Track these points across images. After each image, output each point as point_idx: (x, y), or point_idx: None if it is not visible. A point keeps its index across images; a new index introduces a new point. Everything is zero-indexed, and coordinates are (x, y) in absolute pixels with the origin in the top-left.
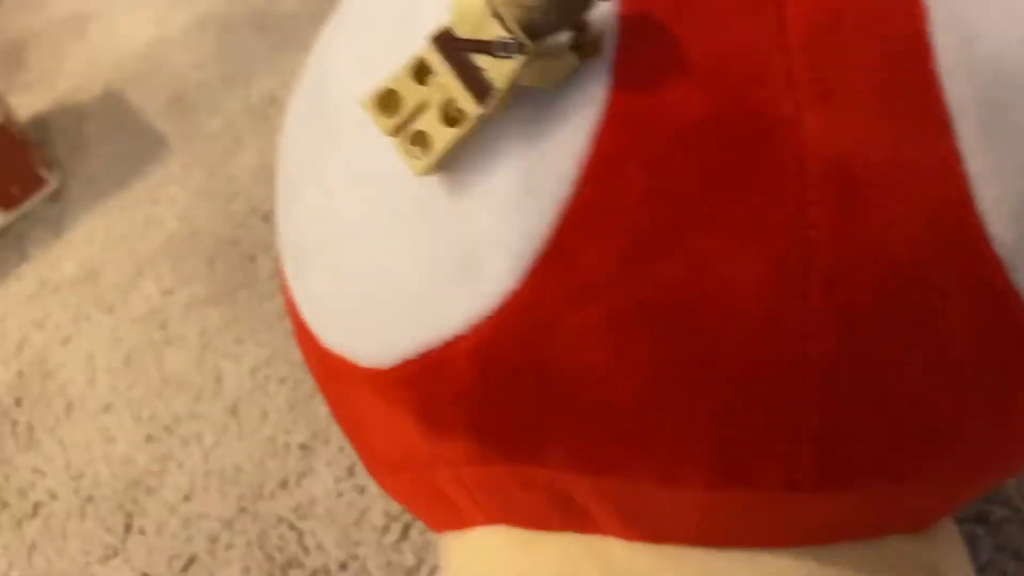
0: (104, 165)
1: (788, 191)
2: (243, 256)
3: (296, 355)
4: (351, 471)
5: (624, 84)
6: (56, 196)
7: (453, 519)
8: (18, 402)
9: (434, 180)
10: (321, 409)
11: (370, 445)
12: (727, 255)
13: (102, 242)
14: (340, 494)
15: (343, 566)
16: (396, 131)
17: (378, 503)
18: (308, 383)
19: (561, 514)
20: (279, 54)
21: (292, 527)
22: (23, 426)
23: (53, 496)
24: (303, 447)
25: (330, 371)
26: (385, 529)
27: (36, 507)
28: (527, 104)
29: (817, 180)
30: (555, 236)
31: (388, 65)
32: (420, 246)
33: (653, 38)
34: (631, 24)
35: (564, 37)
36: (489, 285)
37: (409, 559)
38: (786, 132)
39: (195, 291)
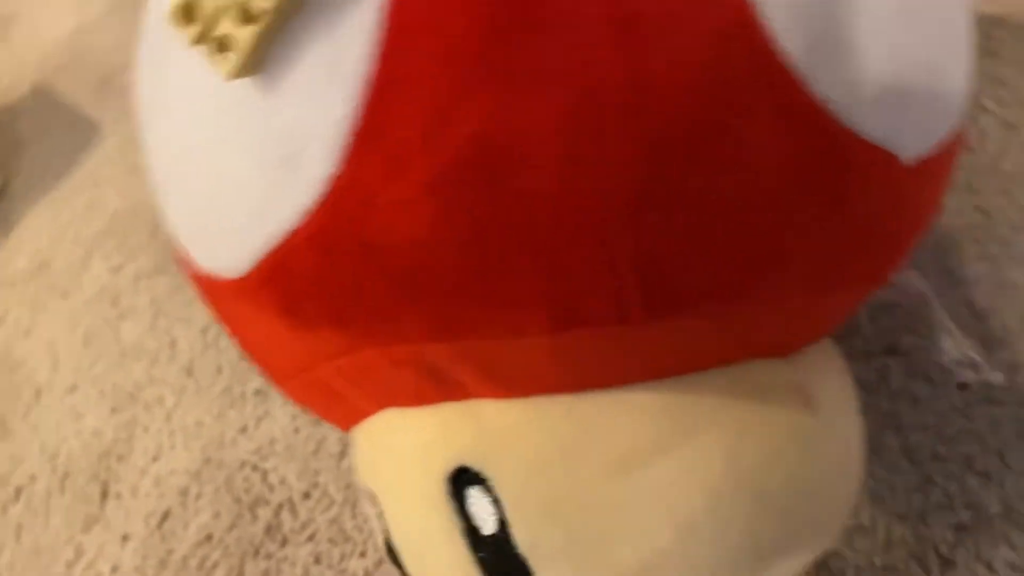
0: (43, 159)
1: (573, 36)
2: None
3: None
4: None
5: None
6: (0, 197)
7: (350, 414)
8: None
9: (247, 83)
10: None
11: (261, 357)
12: (524, 104)
13: (50, 233)
14: (297, 430)
15: (306, 495)
16: (200, 39)
17: (334, 432)
18: None
19: (434, 386)
20: None
21: (255, 468)
22: None
23: (32, 478)
24: (258, 392)
25: (210, 292)
26: (343, 455)
27: (18, 491)
28: None
29: (600, 21)
30: (363, 115)
31: None
32: (244, 149)
33: None
34: None
35: None
36: (312, 173)
37: None
38: None
39: (142, 264)
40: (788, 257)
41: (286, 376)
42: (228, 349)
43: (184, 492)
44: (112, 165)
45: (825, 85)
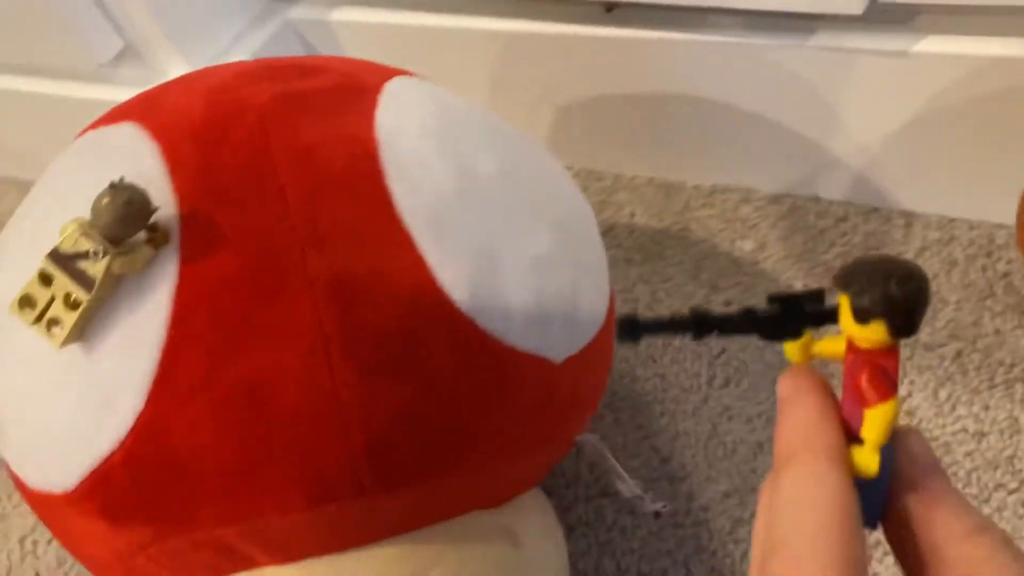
0: None
1: (305, 305)
2: None
3: None
4: None
5: (188, 258)
6: None
7: None
8: None
9: (74, 348)
10: None
11: (86, 553)
12: (274, 354)
13: None
14: None
15: None
16: (36, 320)
17: None
18: None
19: (228, 560)
20: None
21: None
22: None
23: None
24: None
25: (41, 505)
26: None
27: None
28: (127, 284)
29: (324, 294)
30: (159, 367)
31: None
32: (72, 396)
33: (203, 224)
34: (188, 218)
35: (140, 236)
36: (123, 412)
37: None
38: (297, 268)
39: None
40: (476, 438)
41: (106, 567)
42: (44, 555)
43: None
44: None
45: (487, 320)
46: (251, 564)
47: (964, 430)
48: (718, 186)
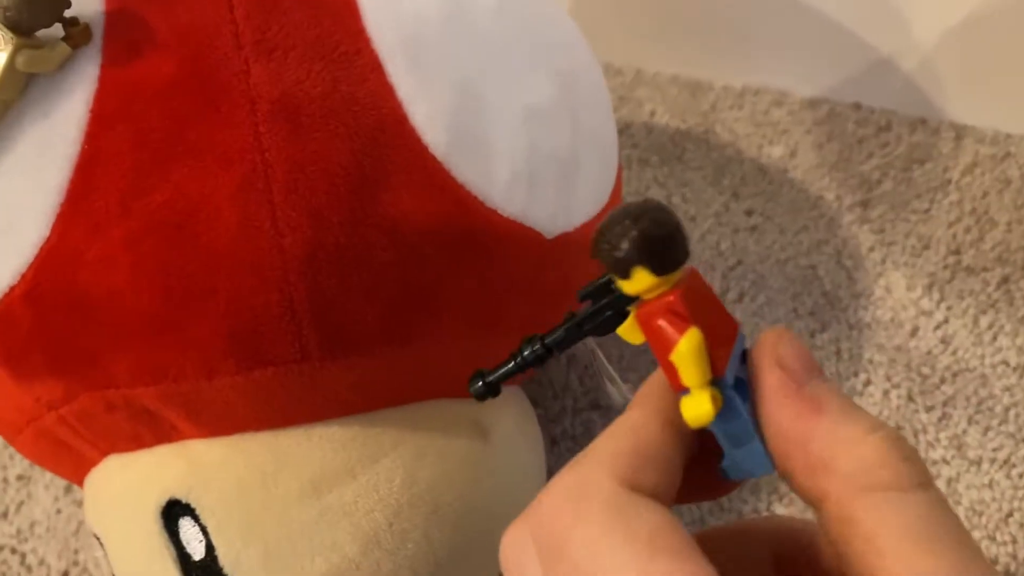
0: None
1: (244, 125)
2: None
3: None
4: (69, 488)
5: (111, 61)
6: None
7: (79, 464)
8: None
9: None
10: None
11: None
12: (204, 180)
13: None
14: (59, 511)
15: (65, 573)
16: None
17: None
18: None
19: (148, 428)
20: None
21: (14, 551)
22: None
23: None
24: (20, 478)
25: None
26: None
27: None
28: (36, 87)
29: (267, 115)
30: (69, 187)
31: None
32: None
33: (132, 23)
34: (114, 15)
35: (56, 31)
36: (25, 239)
37: None
38: (237, 81)
39: None
40: (442, 307)
41: (17, 430)
42: None
43: None
44: None
45: (465, 171)
46: (175, 435)
47: (1005, 363)
48: (749, 87)
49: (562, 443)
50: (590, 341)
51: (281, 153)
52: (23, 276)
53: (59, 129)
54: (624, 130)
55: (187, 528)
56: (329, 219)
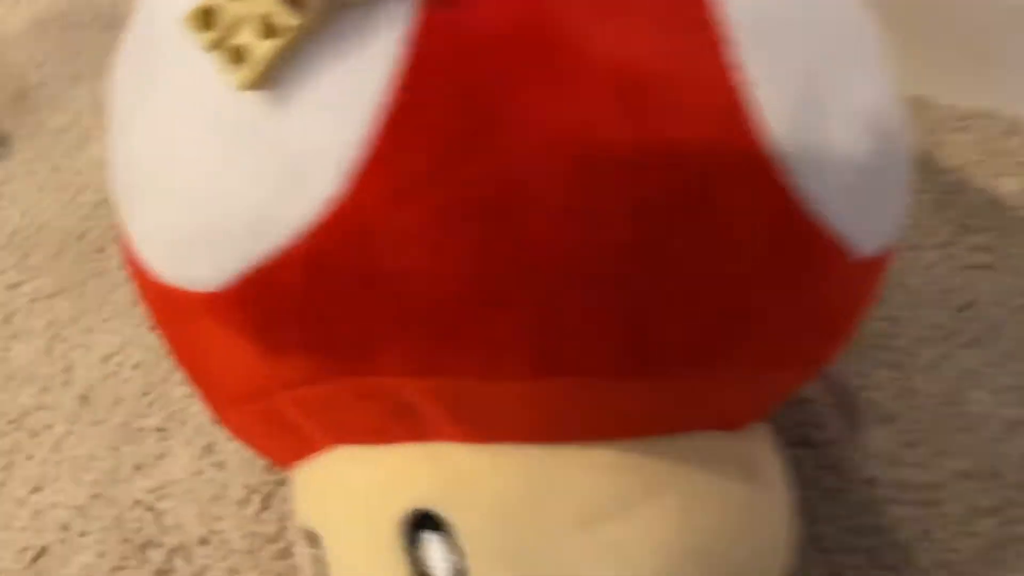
0: None
1: (580, 95)
2: (92, 247)
3: (150, 340)
4: (209, 449)
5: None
6: None
7: (298, 448)
8: None
9: (257, 96)
10: (177, 391)
11: (212, 378)
12: (530, 154)
13: None
14: (199, 472)
15: (204, 541)
16: (215, 45)
17: (237, 477)
18: (163, 366)
19: (400, 423)
20: None
21: (150, 508)
22: None
23: None
24: (159, 429)
25: (168, 305)
26: (246, 502)
27: None
28: (345, 17)
29: (607, 89)
30: (375, 141)
31: None
32: (246, 161)
33: None
34: None
35: None
36: (315, 193)
37: (270, 528)
38: (576, 45)
39: (41, 284)
40: (750, 329)
41: (233, 402)
42: (131, 380)
43: (65, 527)
44: (17, 181)
45: (801, 175)
46: (431, 434)
47: None
48: (976, 110)
49: None
50: (843, 376)
51: (618, 134)
52: (306, 236)
53: (369, 70)
54: None
55: (433, 545)
56: (659, 216)
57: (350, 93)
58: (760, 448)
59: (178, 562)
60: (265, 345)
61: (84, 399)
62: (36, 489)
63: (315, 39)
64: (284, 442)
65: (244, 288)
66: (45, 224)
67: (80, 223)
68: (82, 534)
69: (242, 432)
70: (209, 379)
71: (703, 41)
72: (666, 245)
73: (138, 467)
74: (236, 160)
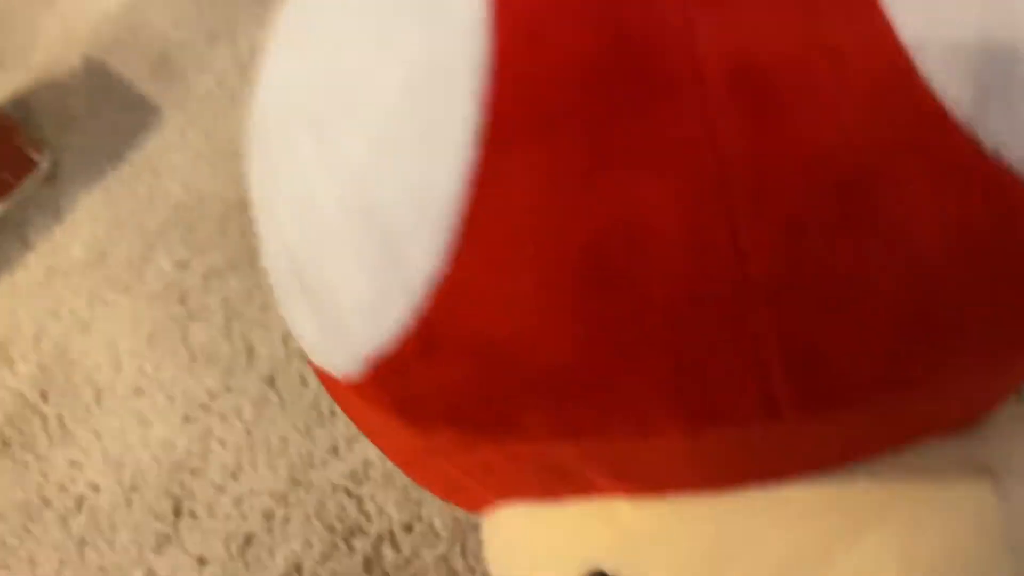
0: (95, 140)
1: (691, 109)
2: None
3: None
4: None
5: (507, 33)
6: (50, 178)
7: (473, 500)
8: (44, 396)
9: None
10: None
11: (381, 443)
12: (640, 190)
13: (106, 220)
14: None
15: (408, 528)
16: None
17: None
18: None
19: (563, 483)
20: (262, 5)
21: (350, 494)
22: (53, 420)
23: (95, 488)
24: None
25: (328, 385)
26: None
27: (79, 501)
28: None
29: (721, 90)
30: (469, 205)
31: None
32: (351, 251)
33: None
34: None
35: None
36: (416, 270)
37: None
38: (678, 44)
39: (211, 260)
40: (966, 333)
41: (406, 462)
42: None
43: (269, 515)
44: (173, 152)
45: (1001, 141)
46: (594, 490)
47: None
48: None
49: None
50: None
51: (743, 144)
52: (417, 316)
53: (450, 131)
54: None
55: None
56: (810, 233)
57: (434, 158)
58: (1008, 439)
59: (386, 550)
60: (409, 421)
61: (269, 381)
62: (234, 475)
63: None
64: (459, 497)
65: (377, 372)
66: (206, 195)
67: (241, 192)
68: (285, 521)
69: (420, 482)
70: (379, 443)
71: (841, 5)
72: (826, 268)
73: (333, 450)
74: (341, 253)
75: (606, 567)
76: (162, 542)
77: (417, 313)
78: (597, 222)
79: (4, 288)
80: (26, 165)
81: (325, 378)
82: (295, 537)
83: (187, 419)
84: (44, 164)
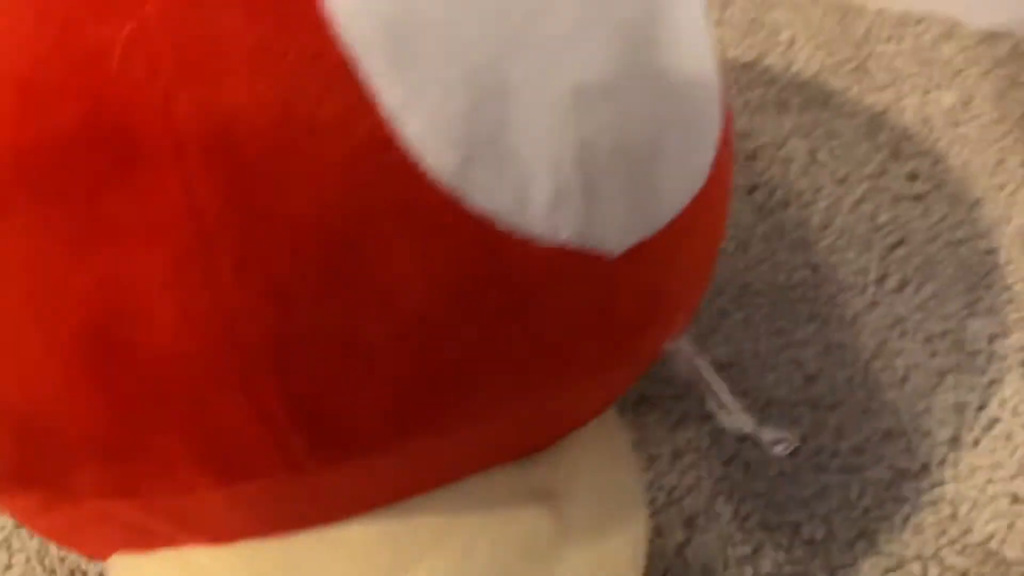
0: None
1: (171, 183)
2: None
3: None
4: None
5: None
6: None
7: (89, 553)
8: None
9: None
10: None
11: None
12: (127, 263)
13: None
14: None
15: None
16: None
17: None
18: None
19: (144, 535)
20: None
21: None
22: None
23: None
24: None
25: None
26: None
27: None
28: None
29: (200, 163)
30: None
31: None
32: None
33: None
34: None
35: None
36: None
37: None
38: (158, 118)
39: None
40: (477, 379)
41: (23, 515)
42: None
43: None
44: None
45: (487, 199)
46: (173, 541)
47: None
48: (911, 14)
49: (686, 456)
50: (692, 353)
51: (224, 216)
52: None
53: None
54: (755, 63)
55: None
56: (296, 296)
57: None
58: (569, 464)
59: None
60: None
61: None
62: None
63: None
64: (78, 548)
65: None
66: None
67: None
68: (6, 568)
69: (44, 536)
70: None
71: (319, 77)
72: (316, 328)
73: None
74: None
75: None
76: None
77: None
78: (91, 296)
79: None
80: None
81: None
82: None
83: None
84: None
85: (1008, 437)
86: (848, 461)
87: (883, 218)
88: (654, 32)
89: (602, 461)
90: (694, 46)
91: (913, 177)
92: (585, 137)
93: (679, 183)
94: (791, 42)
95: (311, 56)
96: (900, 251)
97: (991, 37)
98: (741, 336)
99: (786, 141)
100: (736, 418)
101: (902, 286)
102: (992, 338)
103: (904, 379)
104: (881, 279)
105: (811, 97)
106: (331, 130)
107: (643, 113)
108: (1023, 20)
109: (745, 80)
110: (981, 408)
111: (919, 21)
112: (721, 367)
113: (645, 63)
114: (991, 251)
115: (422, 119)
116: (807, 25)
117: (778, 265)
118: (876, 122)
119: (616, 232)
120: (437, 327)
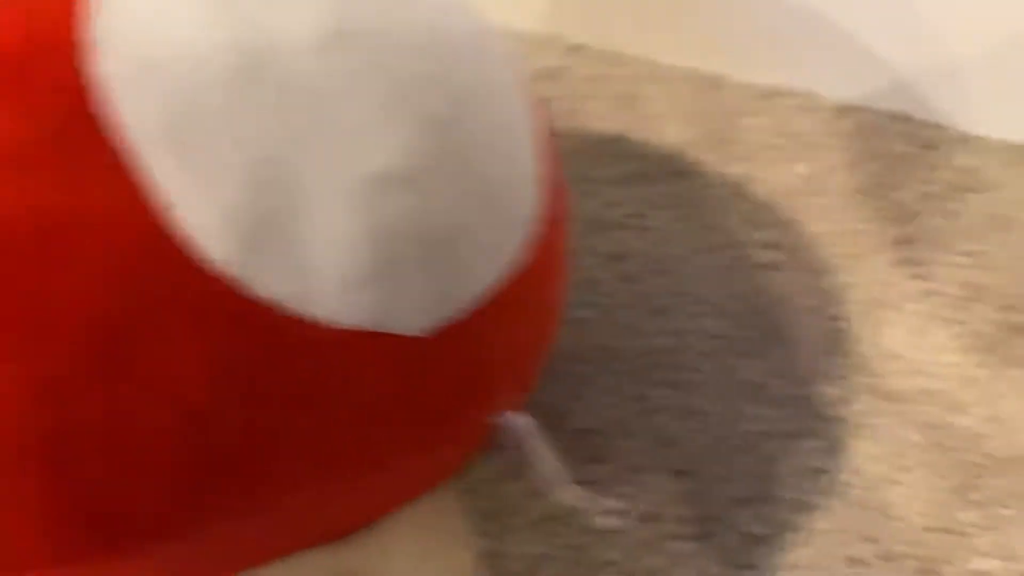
0: None
1: None
2: None
3: None
4: None
5: None
6: None
7: None
8: None
9: None
10: None
11: None
12: None
13: None
14: None
15: None
16: None
17: None
18: None
19: None
20: None
21: None
22: None
23: None
24: None
25: None
26: None
27: None
28: None
29: None
30: None
31: None
32: None
33: None
34: None
35: None
36: None
37: None
38: None
39: None
40: (268, 465)
41: None
42: None
43: None
44: None
45: (271, 288)
46: None
47: None
48: (774, 88)
49: (543, 526)
50: (525, 427)
51: None
52: None
53: None
54: (622, 136)
55: None
56: (71, 389)
57: None
58: (373, 551)
59: None
60: None
61: None
62: None
63: None
64: None
65: None
66: None
67: None
68: None
69: None
70: None
71: (97, 172)
72: (92, 420)
73: None
74: None
75: None
76: None
77: None
78: None
79: None
80: None
81: None
82: None
83: None
84: None
85: (855, 501)
86: (703, 528)
87: (739, 287)
88: (462, 121)
89: (424, 539)
90: (507, 131)
91: (768, 246)
92: (380, 223)
93: (484, 263)
94: (659, 115)
95: (91, 150)
96: (755, 318)
97: (846, 110)
98: (602, 403)
99: (651, 211)
100: (565, 490)
101: (756, 352)
102: (839, 403)
103: (756, 445)
104: (736, 344)
105: (676, 169)
106: (100, 225)
107: (445, 198)
108: (877, 94)
109: (613, 153)
110: (829, 472)
111: (780, 94)
112: (582, 434)
113: (451, 151)
114: (840, 318)
115: (201, 210)
116: (675, 99)
117: (640, 332)
118: (736, 193)
119: (417, 314)
120: (219, 415)
